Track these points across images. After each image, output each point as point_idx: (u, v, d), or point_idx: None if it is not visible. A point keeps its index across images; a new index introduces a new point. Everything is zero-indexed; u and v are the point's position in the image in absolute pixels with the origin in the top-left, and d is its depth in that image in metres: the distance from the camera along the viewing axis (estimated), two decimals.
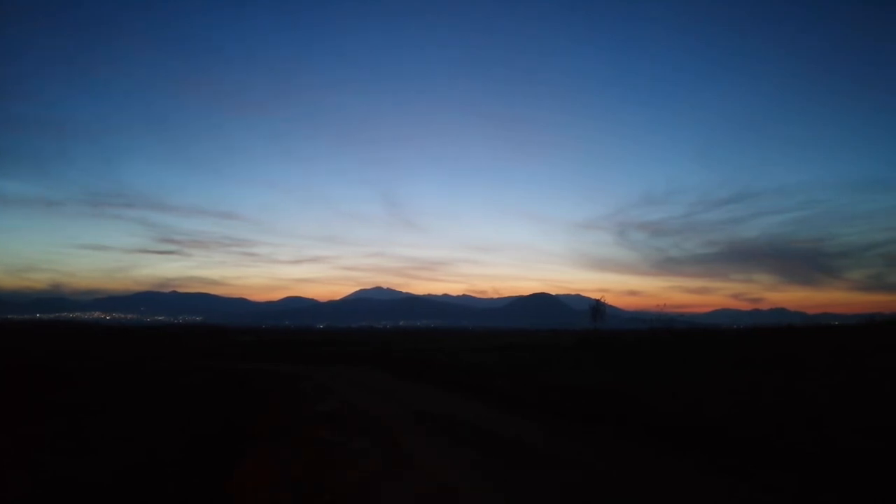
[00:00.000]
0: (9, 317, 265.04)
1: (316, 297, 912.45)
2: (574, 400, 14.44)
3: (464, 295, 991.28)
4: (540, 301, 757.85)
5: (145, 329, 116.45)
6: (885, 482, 7.08)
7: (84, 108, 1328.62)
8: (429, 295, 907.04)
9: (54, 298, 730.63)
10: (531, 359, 27.98)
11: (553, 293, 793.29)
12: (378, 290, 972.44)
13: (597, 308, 65.52)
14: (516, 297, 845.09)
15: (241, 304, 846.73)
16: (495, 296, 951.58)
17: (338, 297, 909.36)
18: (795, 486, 7.34)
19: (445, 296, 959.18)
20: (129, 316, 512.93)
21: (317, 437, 11.08)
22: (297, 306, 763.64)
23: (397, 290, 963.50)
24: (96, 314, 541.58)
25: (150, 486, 7.84)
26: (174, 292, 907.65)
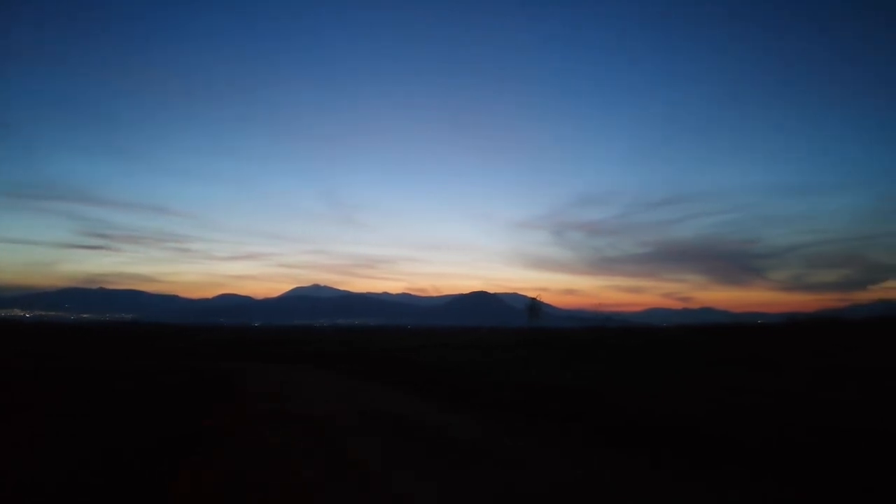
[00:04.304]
0: None
1: (252, 295, 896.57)
2: (523, 398, 14.86)
3: (404, 293, 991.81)
4: (479, 299, 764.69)
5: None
6: (826, 474, 7.84)
7: (1, 97, 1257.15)
8: (368, 293, 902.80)
9: None
10: (476, 357, 28.39)
11: (492, 291, 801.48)
12: (316, 287, 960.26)
13: (533, 306, 66.41)
14: (456, 295, 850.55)
15: (172, 301, 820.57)
16: (435, 294, 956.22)
17: (274, 294, 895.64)
18: (738, 474, 8.03)
19: (385, 294, 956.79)
20: (53, 313, 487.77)
21: (264, 437, 11.03)
22: (232, 304, 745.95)
23: (336, 287, 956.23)
24: (16, 311, 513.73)
25: (113, 486, 7.81)
26: (101, 289, 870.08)
